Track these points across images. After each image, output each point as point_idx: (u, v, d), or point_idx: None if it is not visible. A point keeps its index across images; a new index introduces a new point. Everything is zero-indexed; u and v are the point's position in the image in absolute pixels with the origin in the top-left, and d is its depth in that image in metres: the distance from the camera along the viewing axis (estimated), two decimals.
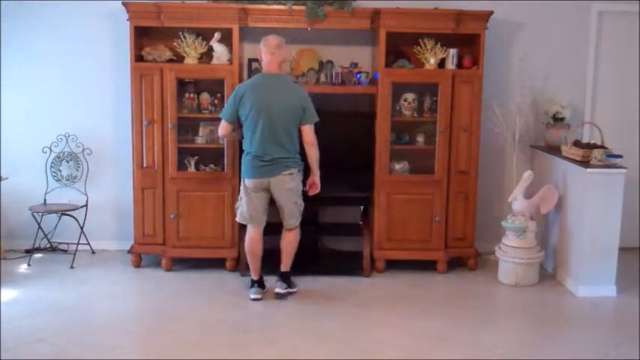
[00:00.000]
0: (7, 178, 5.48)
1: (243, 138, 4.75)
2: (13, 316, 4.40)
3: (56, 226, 5.67)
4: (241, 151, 4.83)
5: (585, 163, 4.93)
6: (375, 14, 5.17)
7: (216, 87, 5.30)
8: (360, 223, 5.66)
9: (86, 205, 5.58)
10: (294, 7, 5.14)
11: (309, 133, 4.62)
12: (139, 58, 5.23)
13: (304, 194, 4.78)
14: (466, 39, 5.32)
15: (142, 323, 4.48)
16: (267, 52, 4.65)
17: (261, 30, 5.16)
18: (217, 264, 5.32)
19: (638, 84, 5.88)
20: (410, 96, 5.36)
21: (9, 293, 4.80)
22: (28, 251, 5.61)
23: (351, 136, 5.34)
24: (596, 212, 4.87)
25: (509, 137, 5.65)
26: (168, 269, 5.32)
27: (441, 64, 5.33)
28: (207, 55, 5.29)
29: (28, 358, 3.87)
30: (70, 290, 4.91)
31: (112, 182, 5.73)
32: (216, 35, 5.18)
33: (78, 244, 5.55)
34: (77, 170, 5.64)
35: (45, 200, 5.62)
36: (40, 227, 5.56)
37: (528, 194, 5.33)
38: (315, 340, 4.17)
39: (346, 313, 4.60)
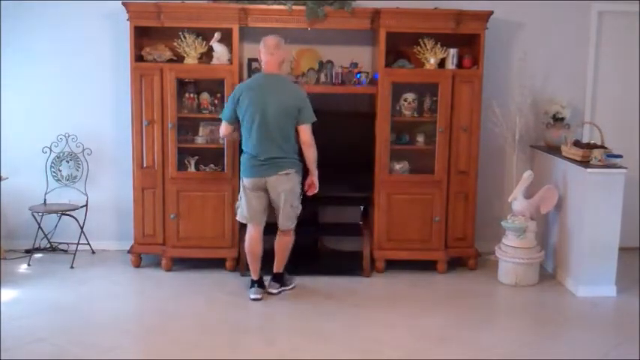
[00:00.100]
0: (7, 178, 5.48)
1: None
2: (13, 316, 4.39)
3: (56, 226, 5.67)
4: (241, 150, 4.83)
5: (585, 163, 4.93)
6: (375, 14, 5.17)
7: (216, 87, 5.30)
8: (360, 223, 5.66)
9: (86, 205, 5.59)
10: (294, 7, 5.14)
11: (305, 133, 4.61)
12: (139, 58, 5.23)
13: (303, 194, 4.78)
14: (466, 39, 5.32)
15: (142, 323, 4.48)
16: (267, 53, 4.65)
17: (261, 30, 5.16)
18: (217, 264, 5.32)
19: (638, 84, 5.88)
20: (410, 96, 5.36)
21: (9, 293, 4.80)
22: (28, 251, 5.61)
23: (351, 136, 5.34)
24: (596, 212, 4.87)
25: (509, 137, 5.65)
26: (168, 269, 5.32)
27: (441, 64, 5.33)
28: (207, 55, 5.29)
29: (28, 358, 3.87)
30: (70, 290, 4.91)
31: (112, 182, 5.73)
32: (216, 35, 5.18)
33: (78, 244, 5.55)
34: (77, 170, 5.64)
35: (45, 200, 5.62)
36: (40, 227, 5.56)
37: (528, 194, 5.33)
38: (315, 340, 4.17)
39: (346, 313, 4.60)
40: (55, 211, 5.50)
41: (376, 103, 5.26)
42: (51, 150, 5.59)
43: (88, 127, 5.64)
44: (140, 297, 4.98)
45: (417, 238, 5.36)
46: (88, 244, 5.68)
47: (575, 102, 5.78)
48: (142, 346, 4.17)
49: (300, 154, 4.69)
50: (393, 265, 5.40)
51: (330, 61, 5.40)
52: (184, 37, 5.21)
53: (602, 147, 4.99)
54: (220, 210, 5.26)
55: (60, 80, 5.62)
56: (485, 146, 5.53)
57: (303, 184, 4.76)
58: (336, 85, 5.33)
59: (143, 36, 5.30)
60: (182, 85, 5.31)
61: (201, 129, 5.41)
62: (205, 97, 5.35)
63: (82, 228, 5.57)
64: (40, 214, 5.48)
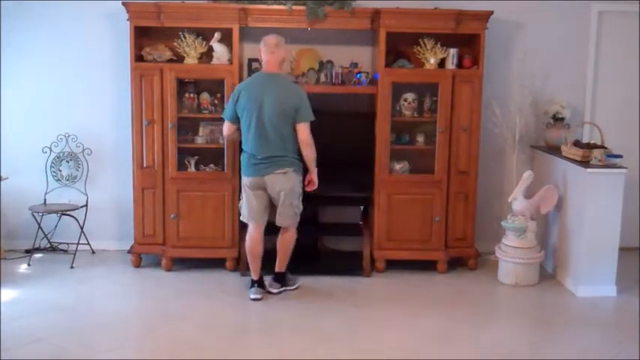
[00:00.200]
0: (7, 178, 5.48)
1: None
2: (13, 316, 4.39)
3: (56, 226, 5.67)
4: (241, 149, 4.83)
5: (585, 163, 4.93)
6: (375, 14, 5.17)
7: (216, 87, 5.30)
8: (360, 223, 5.66)
9: (86, 205, 5.59)
10: (294, 7, 5.14)
11: (303, 131, 4.60)
12: (139, 58, 5.23)
13: (304, 191, 4.77)
14: (466, 39, 5.32)
15: (142, 323, 4.48)
16: (267, 52, 4.66)
17: (261, 30, 5.16)
18: (217, 264, 5.32)
19: (638, 84, 5.88)
20: (410, 96, 5.36)
21: (9, 293, 4.80)
22: (28, 251, 5.61)
23: (351, 136, 5.34)
24: (596, 212, 4.87)
25: (509, 137, 5.65)
26: (168, 269, 5.32)
27: (441, 64, 5.33)
28: (207, 55, 5.29)
29: (28, 358, 3.87)
30: (70, 290, 4.91)
31: (112, 182, 5.73)
32: (216, 35, 5.18)
33: (78, 244, 5.55)
34: (77, 170, 5.64)
35: (45, 200, 5.62)
36: (40, 227, 5.56)
37: (528, 194, 5.33)
38: (315, 340, 4.17)
39: (346, 313, 4.60)
40: (55, 211, 5.50)
41: (376, 103, 5.26)
42: (51, 150, 5.58)
43: (88, 127, 5.64)
44: (140, 297, 4.98)
45: (417, 238, 5.36)
46: (88, 244, 5.68)
47: (575, 102, 5.78)
48: (142, 346, 4.17)
49: (300, 153, 4.69)
50: (393, 265, 5.40)
51: (330, 61, 5.40)
52: (184, 37, 5.21)
53: (602, 147, 4.99)
54: (220, 210, 5.26)
55: (60, 80, 5.62)
56: (485, 146, 5.54)
57: (303, 182, 4.77)
58: (336, 85, 5.33)
59: (143, 36, 5.30)
60: (182, 85, 5.31)
61: (201, 129, 5.41)
62: (205, 97, 5.35)
63: (82, 228, 5.57)
64: (40, 214, 5.48)
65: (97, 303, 4.75)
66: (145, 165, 5.28)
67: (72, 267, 5.36)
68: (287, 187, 4.63)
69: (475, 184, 5.39)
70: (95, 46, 5.59)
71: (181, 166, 5.31)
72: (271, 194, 4.67)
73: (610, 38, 5.81)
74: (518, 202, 5.26)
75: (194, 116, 5.35)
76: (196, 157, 5.36)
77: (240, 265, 5.23)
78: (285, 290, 4.89)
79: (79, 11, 5.53)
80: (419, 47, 5.30)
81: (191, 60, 5.24)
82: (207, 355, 3.95)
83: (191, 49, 5.21)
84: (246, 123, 4.62)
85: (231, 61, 5.21)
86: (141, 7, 5.11)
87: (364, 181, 5.33)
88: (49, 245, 5.70)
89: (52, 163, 5.61)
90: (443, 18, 5.17)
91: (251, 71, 5.40)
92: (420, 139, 5.46)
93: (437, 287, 5.17)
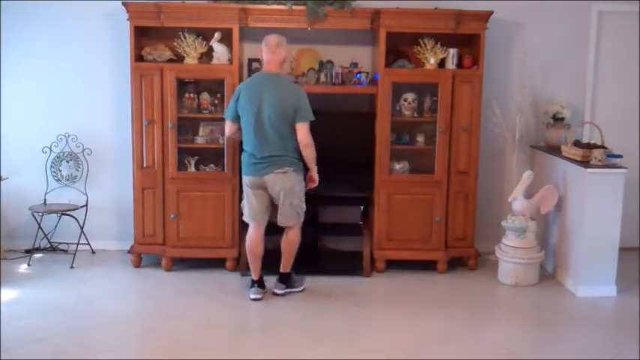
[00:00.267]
0: (7, 178, 5.48)
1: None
2: (13, 316, 4.39)
3: (56, 226, 5.67)
4: (242, 149, 4.84)
5: (585, 163, 4.93)
6: (375, 14, 5.17)
7: (216, 87, 5.30)
8: (360, 223, 5.66)
9: (86, 205, 5.59)
10: (294, 7, 5.14)
11: (302, 131, 4.58)
12: (139, 58, 5.23)
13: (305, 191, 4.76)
14: (466, 39, 5.32)
15: (142, 323, 4.48)
16: (268, 52, 4.66)
17: (261, 30, 5.16)
18: (217, 264, 5.32)
19: (638, 84, 5.88)
20: (410, 96, 5.36)
21: (9, 293, 4.80)
22: (28, 251, 5.61)
23: (351, 136, 5.34)
24: (596, 212, 4.87)
25: (509, 137, 5.65)
26: (168, 269, 5.32)
27: (441, 64, 5.33)
28: (207, 55, 5.29)
29: (28, 358, 3.87)
30: (70, 290, 4.91)
31: (112, 182, 5.73)
32: (216, 35, 5.18)
33: (78, 244, 5.55)
34: (77, 170, 5.64)
35: (45, 200, 5.62)
36: (40, 227, 5.56)
37: (528, 194, 5.33)
38: (315, 340, 4.17)
39: (346, 313, 4.60)
40: (55, 211, 5.50)
41: (376, 103, 5.26)
42: (51, 150, 5.58)
43: (88, 127, 5.64)
44: (140, 297, 4.98)
45: (417, 238, 5.36)
46: (88, 244, 5.68)
47: (575, 102, 5.78)
48: (142, 346, 4.17)
49: (301, 152, 4.69)
50: (393, 265, 5.40)
51: (330, 61, 5.40)
52: (184, 37, 5.21)
53: (602, 147, 4.99)
54: (220, 210, 5.26)
55: (60, 80, 5.62)
56: (485, 146, 5.54)
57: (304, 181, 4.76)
58: (336, 85, 5.33)
59: (143, 36, 5.30)
60: (182, 85, 5.31)
61: (201, 129, 5.41)
62: (205, 97, 5.35)
63: (82, 228, 5.57)
64: (40, 214, 5.48)
65: (97, 303, 4.75)
66: (145, 165, 5.28)
67: (72, 267, 5.36)
68: (287, 187, 4.63)
69: (475, 184, 5.39)
70: (95, 46, 5.59)
71: (181, 166, 5.31)
72: (272, 194, 4.67)
73: (610, 38, 5.81)
74: (518, 202, 5.26)
75: (194, 116, 5.35)
76: (196, 157, 5.36)
77: (240, 265, 5.23)
78: (290, 292, 4.86)
79: (79, 11, 5.53)
80: (419, 47, 5.30)
81: (191, 60, 5.24)
82: (207, 355, 3.95)
83: (191, 49, 5.21)
84: (246, 122, 4.63)
85: (231, 61, 5.21)
86: (141, 7, 5.11)
87: (364, 181, 5.33)
88: (49, 245, 5.70)
89: (52, 163, 5.61)
90: (443, 18, 5.17)
91: (251, 71, 5.40)
92: (420, 139, 5.46)
93: (437, 287, 5.17)
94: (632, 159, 5.63)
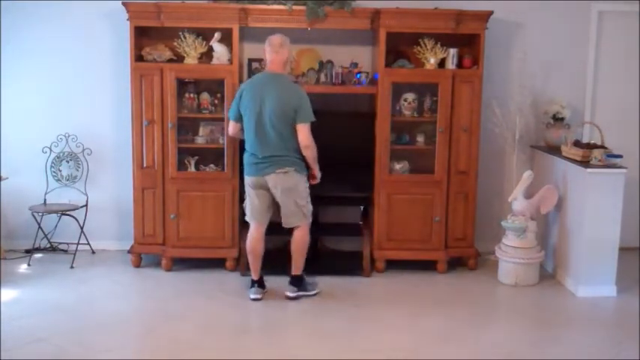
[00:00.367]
0: (7, 178, 5.48)
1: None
2: (13, 316, 4.39)
3: (56, 226, 5.67)
4: (242, 149, 4.84)
5: (585, 163, 4.93)
6: (375, 14, 5.17)
7: (216, 87, 5.30)
8: (360, 223, 5.66)
9: (86, 205, 5.59)
10: (294, 7, 5.14)
11: (302, 132, 4.56)
12: (139, 58, 5.23)
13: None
14: (466, 39, 5.32)
15: (142, 323, 4.48)
16: (271, 51, 4.65)
17: (261, 30, 5.17)
18: (217, 264, 5.32)
19: (638, 84, 5.88)
20: (410, 96, 5.36)
21: (9, 293, 4.80)
22: (28, 251, 5.61)
23: (351, 136, 5.34)
24: (596, 212, 4.87)
25: (509, 137, 5.65)
26: (168, 269, 5.32)
27: (441, 64, 5.33)
28: (207, 55, 5.29)
29: (28, 358, 3.87)
30: (70, 290, 4.91)
31: (112, 182, 5.73)
32: (216, 35, 5.18)
33: (78, 244, 5.55)
34: (77, 170, 5.64)
35: (45, 200, 5.62)
36: (40, 227, 5.56)
37: (528, 194, 5.33)
38: (315, 340, 4.17)
39: (346, 313, 4.60)
40: (55, 211, 5.50)
41: (376, 103, 5.26)
42: (51, 150, 5.58)
43: (88, 127, 5.64)
44: (140, 297, 4.98)
45: (417, 238, 5.36)
46: (88, 244, 5.68)
47: (575, 102, 5.78)
48: (142, 346, 4.17)
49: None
50: (393, 265, 5.40)
51: (330, 61, 5.40)
52: (184, 37, 5.21)
53: (602, 147, 4.99)
54: (220, 210, 5.26)
55: (60, 80, 5.62)
56: (485, 146, 5.54)
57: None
58: (336, 85, 5.33)
59: (143, 36, 5.30)
60: (182, 85, 5.31)
61: (201, 129, 5.41)
62: (205, 97, 5.35)
63: (82, 228, 5.57)
64: (40, 214, 5.48)
65: (97, 303, 4.75)
66: (145, 165, 5.28)
67: (72, 267, 5.36)
68: (288, 187, 4.62)
69: (475, 184, 5.39)
70: (95, 46, 5.59)
71: (181, 166, 5.31)
72: (274, 194, 4.67)
73: (610, 38, 5.81)
74: (518, 202, 5.26)
75: (194, 116, 5.35)
76: (196, 157, 5.36)
77: (240, 265, 5.23)
78: (303, 295, 4.80)
79: (79, 11, 5.53)
80: (419, 47, 5.30)
81: (191, 60, 5.24)
82: (207, 355, 3.95)
83: (191, 49, 5.21)
84: (248, 122, 4.62)
85: (231, 61, 5.21)
86: (141, 7, 5.11)
87: (364, 181, 5.33)
88: (49, 245, 5.70)
89: (52, 163, 5.61)
90: (443, 18, 5.17)
91: (251, 71, 5.40)
92: (420, 139, 5.46)
93: (437, 287, 5.17)
94: (632, 159, 5.63)
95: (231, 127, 4.79)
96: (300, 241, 4.75)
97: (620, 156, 4.92)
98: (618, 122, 5.78)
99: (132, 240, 5.39)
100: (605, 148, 4.98)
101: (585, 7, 5.74)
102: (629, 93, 5.89)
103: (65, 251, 5.65)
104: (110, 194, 5.75)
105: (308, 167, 4.71)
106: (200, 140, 5.38)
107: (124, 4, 5.10)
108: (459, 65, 5.33)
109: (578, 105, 5.80)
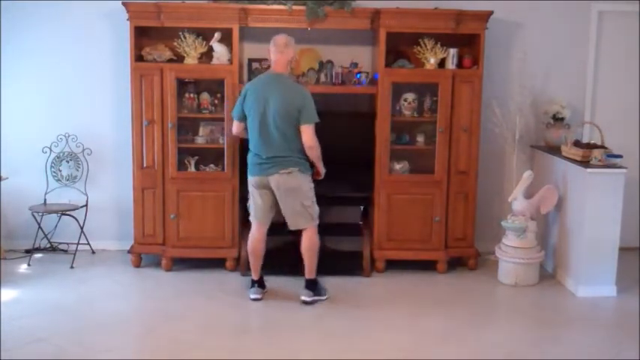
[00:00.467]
0: (7, 178, 5.48)
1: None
2: (13, 316, 4.39)
3: (56, 226, 5.67)
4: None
5: (585, 163, 4.93)
6: (375, 14, 5.17)
7: (216, 87, 5.30)
8: (360, 223, 5.66)
9: (86, 205, 5.59)
10: (294, 7, 5.14)
11: (306, 133, 4.55)
12: (139, 58, 5.23)
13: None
14: (466, 39, 5.32)
15: (142, 323, 4.48)
16: (276, 51, 4.64)
17: (261, 30, 5.17)
18: (217, 264, 5.32)
19: (638, 84, 5.88)
20: (410, 96, 5.36)
21: (9, 293, 4.80)
22: (28, 251, 5.61)
23: (351, 136, 5.34)
24: (596, 212, 4.87)
25: (509, 137, 5.65)
26: (168, 269, 5.32)
27: (441, 64, 5.33)
28: (207, 55, 5.29)
29: (28, 358, 3.87)
30: (70, 290, 4.91)
31: (112, 182, 5.73)
32: (216, 35, 5.18)
33: (78, 244, 5.55)
34: (77, 170, 5.64)
35: (45, 200, 5.62)
36: (40, 227, 5.56)
37: (528, 194, 5.33)
38: (316, 340, 4.17)
39: (346, 313, 4.60)
40: (55, 211, 5.50)
41: (376, 103, 5.26)
42: (51, 150, 5.58)
43: (88, 127, 5.64)
44: (140, 297, 4.98)
45: (417, 238, 5.36)
46: (88, 244, 5.68)
47: (575, 102, 5.78)
48: (142, 346, 4.17)
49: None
50: (393, 265, 5.40)
51: (330, 61, 5.40)
52: (184, 37, 5.21)
53: (602, 147, 4.99)
54: (220, 210, 5.26)
55: (60, 80, 5.62)
56: (485, 146, 5.54)
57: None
58: (336, 85, 5.33)
59: (143, 36, 5.30)
60: (182, 85, 5.31)
61: (201, 129, 5.41)
62: (205, 97, 5.35)
63: (82, 228, 5.57)
64: (40, 214, 5.48)
65: (97, 303, 4.74)
66: (145, 165, 5.28)
67: (72, 267, 5.36)
68: (292, 187, 4.60)
69: (475, 184, 5.39)
70: (95, 46, 5.59)
71: (181, 166, 5.31)
72: (276, 194, 4.66)
73: (610, 38, 5.81)
74: (518, 202, 5.26)
75: (194, 116, 5.35)
76: (196, 157, 5.36)
77: (240, 265, 5.23)
78: (318, 300, 4.75)
79: (79, 11, 5.53)
80: (419, 47, 5.30)
81: (191, 60, 5.24)
82: (207, 355, 3.95)
83: (191, 49, 5.21)
84: (252, 123, 4.61)
85: (231, 61, 5.21)
86: (141, 7, 5.11)
87: (364, 181, 5.33)
88: (49, 245, 5.70)
89: (52, 163, 5.61)
90: (443, 18, 5.17)
91: (251, 71, 5.41)
92: (420, 139, 5.46)
93: (437, 287, 5.17)
94: (632, 159, 5.63)
95: (235, 127, 4.78)
96: (309, 244, 4.72)
97: (620, 156, 4.92)
98: (618, 122, 5.78)
99: (132, 240, 5.39)
100: (605, 148, 4.99)
101: (585, 7, 5.74)
102: (629, 93, 5.90)
103: (65, 251, 5.65)
104: (110, 194, 5.75)
105: (312, 165, 4.70)
106: (200, 140, 5.38)
107: (124, 4, 5.10)
108: (459, 65, 5.33)
109: (578, 105, 5.80)
